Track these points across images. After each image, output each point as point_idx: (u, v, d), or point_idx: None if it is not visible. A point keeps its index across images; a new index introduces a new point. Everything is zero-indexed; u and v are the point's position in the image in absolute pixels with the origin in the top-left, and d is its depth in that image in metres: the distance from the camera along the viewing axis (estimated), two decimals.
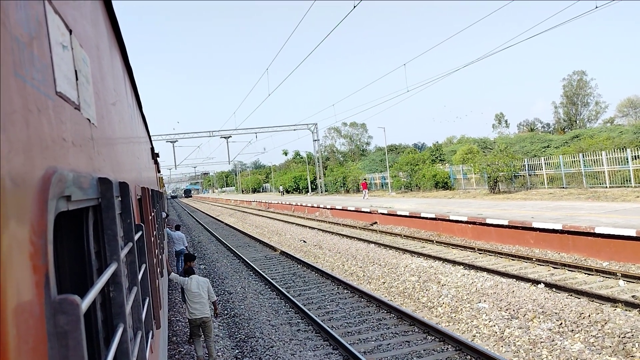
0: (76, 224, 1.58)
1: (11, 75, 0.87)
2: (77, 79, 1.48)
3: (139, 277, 2.54)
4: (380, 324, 10.24)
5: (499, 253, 15.79)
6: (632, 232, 12.62)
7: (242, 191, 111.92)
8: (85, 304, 1.08)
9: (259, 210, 52.73)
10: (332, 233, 25.13)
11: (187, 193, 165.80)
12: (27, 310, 0.84)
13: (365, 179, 49.94)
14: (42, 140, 1.04)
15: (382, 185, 51.33)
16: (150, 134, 10.80)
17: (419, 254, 16.79)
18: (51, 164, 1.08)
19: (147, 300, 3.11)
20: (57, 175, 1.07)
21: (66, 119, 1.29)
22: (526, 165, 33.05)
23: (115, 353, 1.63)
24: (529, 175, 32.87)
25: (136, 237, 2.61)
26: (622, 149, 27.21)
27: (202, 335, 8.59)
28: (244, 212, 51.74)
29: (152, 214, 6.23)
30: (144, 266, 3.07)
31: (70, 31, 1.45)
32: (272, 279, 15.10)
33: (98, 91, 1.98)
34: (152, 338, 3.11)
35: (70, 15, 1.48)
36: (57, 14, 1.29)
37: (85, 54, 1.68)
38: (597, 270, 12.35)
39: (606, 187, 26.74)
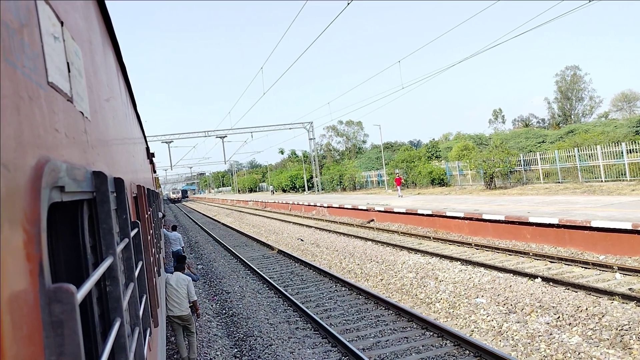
0: (71, 218, 1.57)
1: (1, 60, 0.85)
2: (69, 71, 1.46)
3: (136, 273, 2.53)
4: (378, 320, 10.25)
5: (496, 248, 15.83)
6: (628, 225, 12.67)
7: (239, 191, 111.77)
8: (80, 294, 1.06)
9: (256, 209, 52.69)
10: (329, 231, 25.13)
11: (183, 194, 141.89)
12: (21, 298, 0.82)
13: (398, 174, 40.41)
14: (34, 129, 1.03)
15: (379, 183, 51.38)
16: (146, 134, 10.77)
17: (416, 251, 16.81)
18: (44, 154, 1.07)
19: (145, 297, 3.10)
20: (49, 164, 1.05)
21: (58, 109, 1.28)
22: (522, 161, 33.15)
23: (113, 347, 1.62)
24: (525, 170, 32.97)
25: (132, 233, 2.60)
26: (617, 143, 27.34)
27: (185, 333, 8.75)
28: (240, 211, 51.69)
29: (149, 212, 6.22)
30: (140, 263, 3.05)
31: (62, 23, 1.43)
32: (269, 278, 15.09)
33: (91, 85, 1.96)
34: (149, 335, 3.09)
35: (61, 7, 1.46)
36: (48, 4, 1.27)
37: (77, 47, 1.67)
38: (593, 264, 12.40)
39: (601, 181, 26.85)
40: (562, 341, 8.08)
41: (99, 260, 1.67)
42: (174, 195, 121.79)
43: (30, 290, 0.87)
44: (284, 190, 74.42)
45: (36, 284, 0.90)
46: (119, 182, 2.19)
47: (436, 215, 21.35)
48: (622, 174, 26.07)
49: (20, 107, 0.94)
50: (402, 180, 36.57)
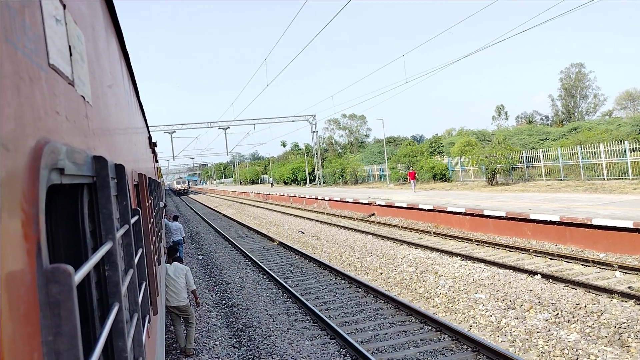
0: (71, 202, 1.57)
1: (1, 40, 0.85)
2: (71, 55, 1.46)
3: (135, 260, 2.53)
4: (377, 314, 10.28)
5: (496, 244, 15.83)
6: (629, 224, 12.65)
7: (240, 183, 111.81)
8: (78, 276, 1.07)
9: (257, 201, 52.72)
10: (330, 224, 25.15)
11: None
12: (18, 278, 0.83)
13: (411, 167, 39.06)
14: (35, 110, 1.03)
15: (380, 177, 51.35)
16: (148, 124, 10.75)
17: (417, 245, 16.82)
18: (43, 135, 1.07)
19: (144, 284, 3.11)
20: (49, 146, 1.05)
21: (59, 92, 1.28)
22: (524, 157, 33.07)
23: (111, 332, 1.62)
24: (527, 167, 32.90)
25: (132, 220, 2.60)
26: (620, 141, 27.24)
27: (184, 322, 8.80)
28: (242, 203, 51.73)
29: (150, 201, 6.22)
30: (140, 250, 3.06)
31: (64, 6, 1.43)
32: (270, 270, 15.13)
33: (93, 71, 1.96)
34: (149, 323, 3.10)
35: None
36: None
37: (79, 31, 1.66)
38: (593, 262, 12.39)
39: (604, 179, 26.79)
40: (560, 338, 8.10)
41: (98, 245, 1.68)
42: (179, 186, 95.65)
43: (28, 270, 0.87)
44: (286, 183, 74.39)
45: (34, 264, 0.90)
46: (119, 169, 2.19)
47: (437, 211, 21.34)
48: (624, 173, 26.00)
49: (21, 88, 0.94)
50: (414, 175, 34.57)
